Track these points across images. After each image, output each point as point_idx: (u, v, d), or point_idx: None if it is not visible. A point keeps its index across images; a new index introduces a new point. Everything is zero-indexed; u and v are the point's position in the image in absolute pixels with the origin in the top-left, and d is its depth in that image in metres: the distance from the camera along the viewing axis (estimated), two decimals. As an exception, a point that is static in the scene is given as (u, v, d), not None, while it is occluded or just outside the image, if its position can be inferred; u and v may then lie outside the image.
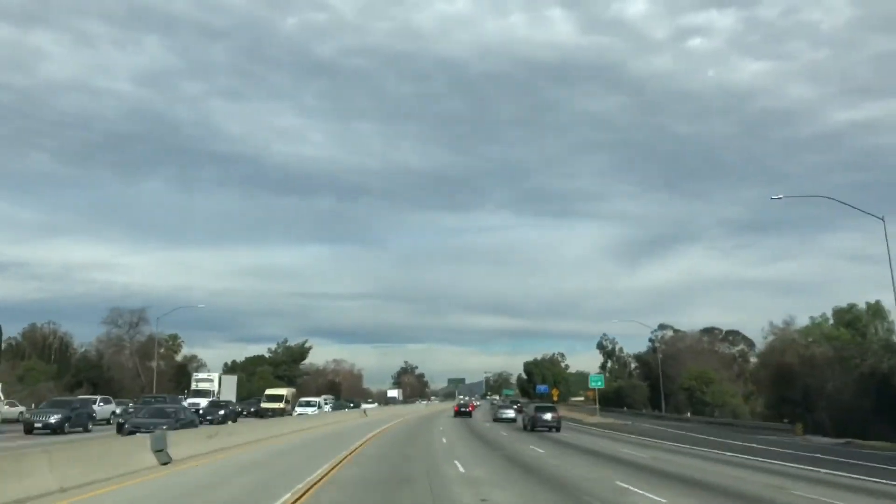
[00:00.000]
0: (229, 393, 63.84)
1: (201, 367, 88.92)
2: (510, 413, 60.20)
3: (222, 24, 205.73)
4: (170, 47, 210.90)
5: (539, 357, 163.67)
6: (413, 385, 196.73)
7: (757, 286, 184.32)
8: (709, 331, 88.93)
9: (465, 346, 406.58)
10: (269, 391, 64.49)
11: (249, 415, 55.23)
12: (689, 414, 63.74)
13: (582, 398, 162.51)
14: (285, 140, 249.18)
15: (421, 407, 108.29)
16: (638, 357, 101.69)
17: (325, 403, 62.70)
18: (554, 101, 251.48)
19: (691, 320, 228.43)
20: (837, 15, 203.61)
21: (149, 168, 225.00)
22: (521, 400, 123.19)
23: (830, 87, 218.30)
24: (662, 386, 68.34)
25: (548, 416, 42.92)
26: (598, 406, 69.31)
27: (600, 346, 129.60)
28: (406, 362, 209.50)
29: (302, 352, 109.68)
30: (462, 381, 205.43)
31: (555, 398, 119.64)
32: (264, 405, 58.55)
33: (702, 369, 67.46)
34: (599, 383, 72.30)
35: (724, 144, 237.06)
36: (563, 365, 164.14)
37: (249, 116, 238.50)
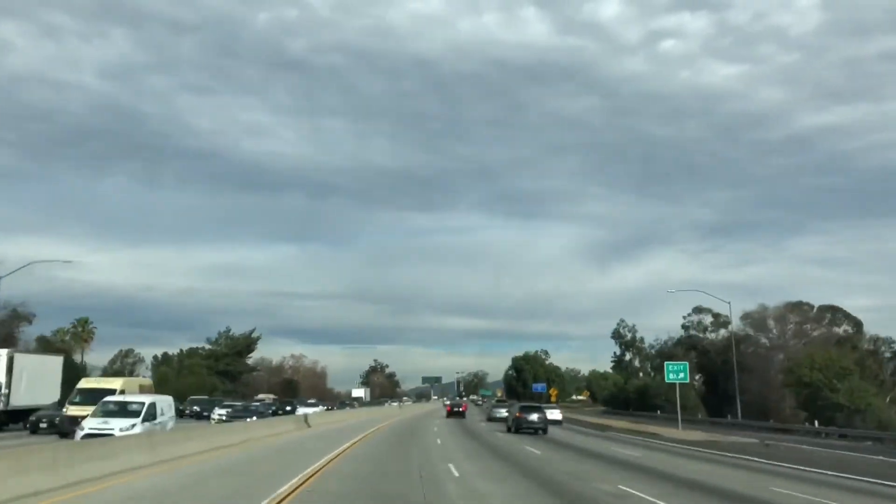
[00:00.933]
0: (36, 385, 35.63)
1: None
2: (504, 412, 56.20)
3: (192, 18, 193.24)
4: (137, 41, 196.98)
5: (521, 354, 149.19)
6: (383, 385, 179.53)
7: (726, 290, 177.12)
8: (797, 306, 65.19)
9: (435, 347, 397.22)
10: (84, 383, 33.47)
11: (44, 429, 30.64)
12: (814, 423, 43.98)
13: (583, 397, 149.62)
14: (255, 137, 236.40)
15: (394, 409, 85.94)
16: (681, 342, 76.38)
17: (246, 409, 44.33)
18: (527, 102, 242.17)
19: (659, 323, 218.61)
20: (808, 20, 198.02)
21: (113, 163, 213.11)
22: (506, 400, 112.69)
23: (801, 91, 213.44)
24: (738, 381, 49.65)
25: (533, 416, 38.91)
26: (679, 412, 47.08)
27: (616, 336, 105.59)
28: (375, 360, 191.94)
29: (248, 342, 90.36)
30: (438, 379, 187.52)
31: (553, 398, 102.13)
32: (72, 411, 28.94)
33: (828, 355, 48.71)
34: (683, 375, 46.82)
35: (695, 147, 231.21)
36: (548, 363, 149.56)
37: (218, 112, 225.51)
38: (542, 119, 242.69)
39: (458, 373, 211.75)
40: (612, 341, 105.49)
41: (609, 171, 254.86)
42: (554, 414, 55.44)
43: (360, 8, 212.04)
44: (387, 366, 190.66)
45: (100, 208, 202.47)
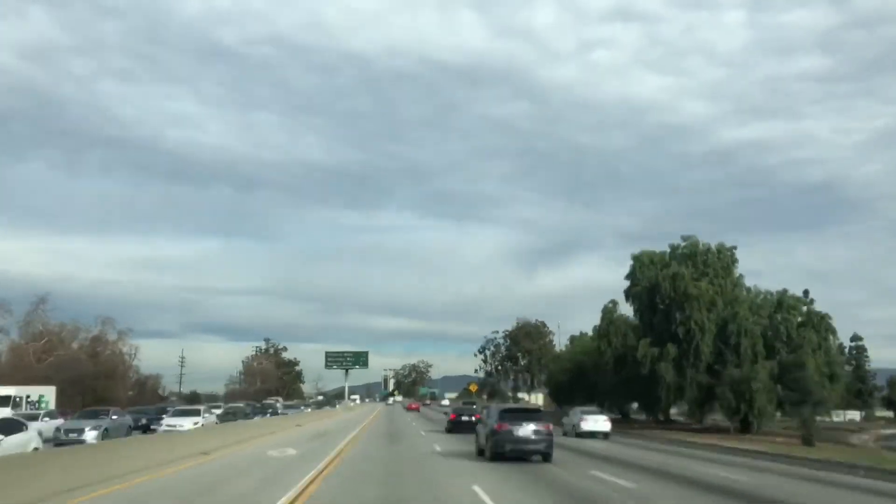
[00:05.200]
0: None
1: None
2: (468, 419, 38.60)
3: (116, 1, 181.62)
4: (57, 20, 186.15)
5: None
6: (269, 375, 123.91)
7: None
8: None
9: (360, 346, 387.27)
10: None
11: None
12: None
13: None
14: (180, 127, 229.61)
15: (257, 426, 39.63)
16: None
17: None
18: (460, 104, 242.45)
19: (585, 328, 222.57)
20: (734, 37, 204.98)
21: (30, 149, 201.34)
22: (473, 403, 65.02)
23: (724, 105, 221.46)
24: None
25: (526, 429, 22.33)
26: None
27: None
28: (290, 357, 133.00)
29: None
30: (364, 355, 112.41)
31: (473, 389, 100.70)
32: None
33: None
34: None
35: (622, 156, 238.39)
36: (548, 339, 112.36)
37: (143, 100, 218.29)
38: (475, 122, 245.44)
39: (385, 369, 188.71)
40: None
41: (539, 177, 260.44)
42: (598, 422, 38.31)
43: (295, 1, 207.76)
44: (297, 363, 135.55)
45: (16, 195, 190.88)
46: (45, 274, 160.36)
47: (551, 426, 23.47)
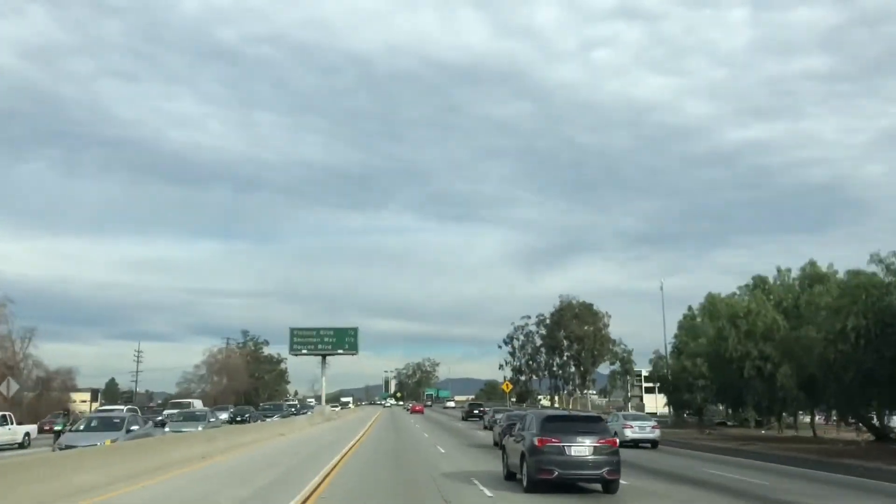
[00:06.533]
0: None
1: None
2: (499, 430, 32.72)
3: (116, 0, 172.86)
4: (57, 20, 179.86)
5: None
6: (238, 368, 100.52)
7: (650, 299, 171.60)
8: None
9: (361, 350, 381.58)
10: None
11: None
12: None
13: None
14: (180, 127, 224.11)
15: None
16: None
17: None
18: (461, 104, 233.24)
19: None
20: (737, 36, 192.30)
21: (30, 149, 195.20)
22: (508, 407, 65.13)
23: (726, 105, 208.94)
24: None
25: (583, 447, 15.60)
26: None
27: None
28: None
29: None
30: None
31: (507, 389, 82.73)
32: None
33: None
34: None
35: (623, 157, 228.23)
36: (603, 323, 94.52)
37: (142, 100, 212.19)
38: (476, 122, 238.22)
39: (386, 371, 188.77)
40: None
41: (541, 177, 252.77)
42: (645, 429, 32.77)
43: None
44: (282, 359, 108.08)
45: (14, 195, 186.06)
46: (43, 275, 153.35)
47: (617, 441, 16.69)
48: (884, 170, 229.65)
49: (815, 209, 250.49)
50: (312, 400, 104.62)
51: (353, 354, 69.28)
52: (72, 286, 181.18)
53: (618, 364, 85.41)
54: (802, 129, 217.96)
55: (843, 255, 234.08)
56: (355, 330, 69.90)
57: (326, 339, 67.86)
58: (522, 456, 16.40)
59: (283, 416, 54.22)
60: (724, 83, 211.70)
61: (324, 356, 69.52)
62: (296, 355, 71.18)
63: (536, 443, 15.80)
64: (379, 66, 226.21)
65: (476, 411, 63.95)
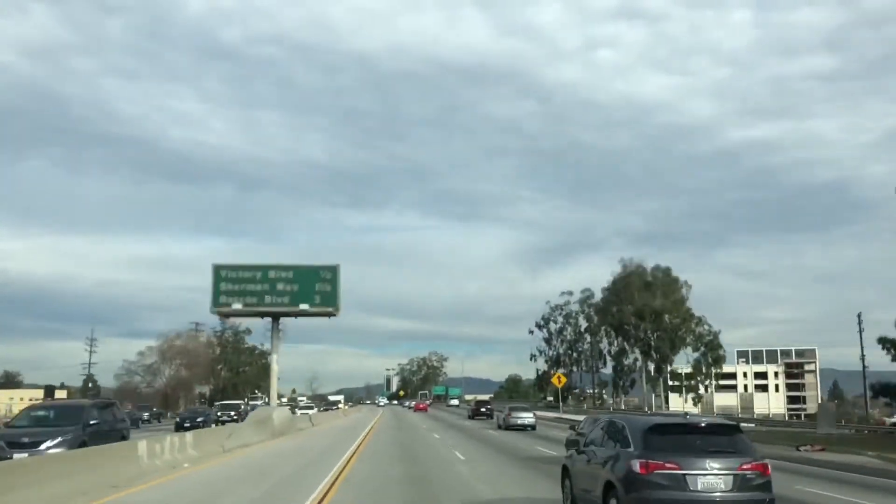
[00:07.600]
0: None
1: None
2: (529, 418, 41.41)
3: None
4: (59, 18, 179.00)
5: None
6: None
7: None
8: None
9: (362, 348, 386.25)
10: None
11: None
12: None
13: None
14: (183, 125, 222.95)
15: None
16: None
17: None
18: (464, 104, 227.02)
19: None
20: (740, 36, 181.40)
21: (33, 147, 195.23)
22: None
23: (729, 105, 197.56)
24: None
25: (715, 468, 9.38)
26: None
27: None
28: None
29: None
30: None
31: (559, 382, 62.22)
32: None
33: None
34: None
35: (626, 156, 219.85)
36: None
37: (145, 98, 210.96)
38: (479, 121, 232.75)
39: (388, 369, 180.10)
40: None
41: (543, 177, 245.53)
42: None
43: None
44: (268, 351, 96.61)
45: (17, 193, 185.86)
46: (46, 273, 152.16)
47: (768, 465, 9.80)
48: (889, 169, 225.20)
49: (819, 209, 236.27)
50: (276, 399, 57.09)
51: (329, 315, 38.13)
52: (75, 284, 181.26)
53: (702, 350, 66.38)
54: (806, 129, 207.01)
55: (848, 255, 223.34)
56: (334, 269, 37.63)
57: (280, 288, 36.57)
58: (608, 488, 9.98)
59: (229, 421, 43.45)
60: (728, 83, 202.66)
61: (275, 316, 37.89)
62: (223, 315, 46.68)
63: (638, 468, 9.49)
64: (382, 66, 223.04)
65: (483, 409, 60.40)
